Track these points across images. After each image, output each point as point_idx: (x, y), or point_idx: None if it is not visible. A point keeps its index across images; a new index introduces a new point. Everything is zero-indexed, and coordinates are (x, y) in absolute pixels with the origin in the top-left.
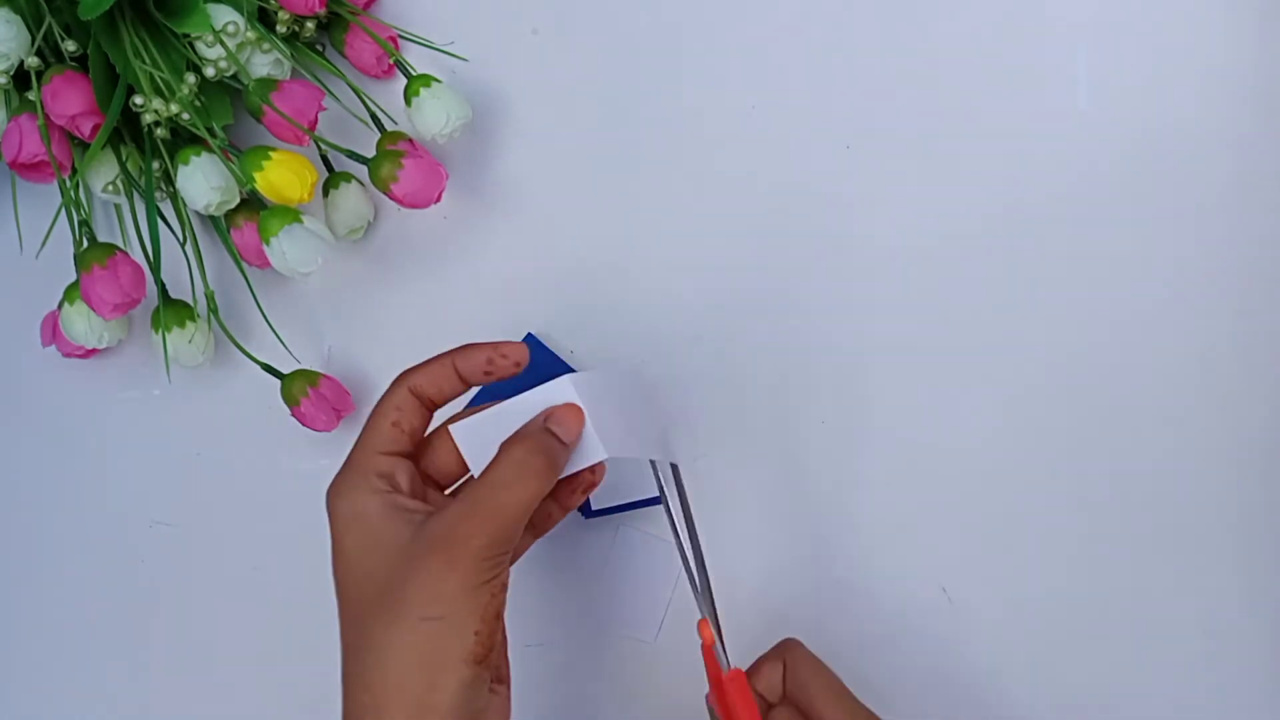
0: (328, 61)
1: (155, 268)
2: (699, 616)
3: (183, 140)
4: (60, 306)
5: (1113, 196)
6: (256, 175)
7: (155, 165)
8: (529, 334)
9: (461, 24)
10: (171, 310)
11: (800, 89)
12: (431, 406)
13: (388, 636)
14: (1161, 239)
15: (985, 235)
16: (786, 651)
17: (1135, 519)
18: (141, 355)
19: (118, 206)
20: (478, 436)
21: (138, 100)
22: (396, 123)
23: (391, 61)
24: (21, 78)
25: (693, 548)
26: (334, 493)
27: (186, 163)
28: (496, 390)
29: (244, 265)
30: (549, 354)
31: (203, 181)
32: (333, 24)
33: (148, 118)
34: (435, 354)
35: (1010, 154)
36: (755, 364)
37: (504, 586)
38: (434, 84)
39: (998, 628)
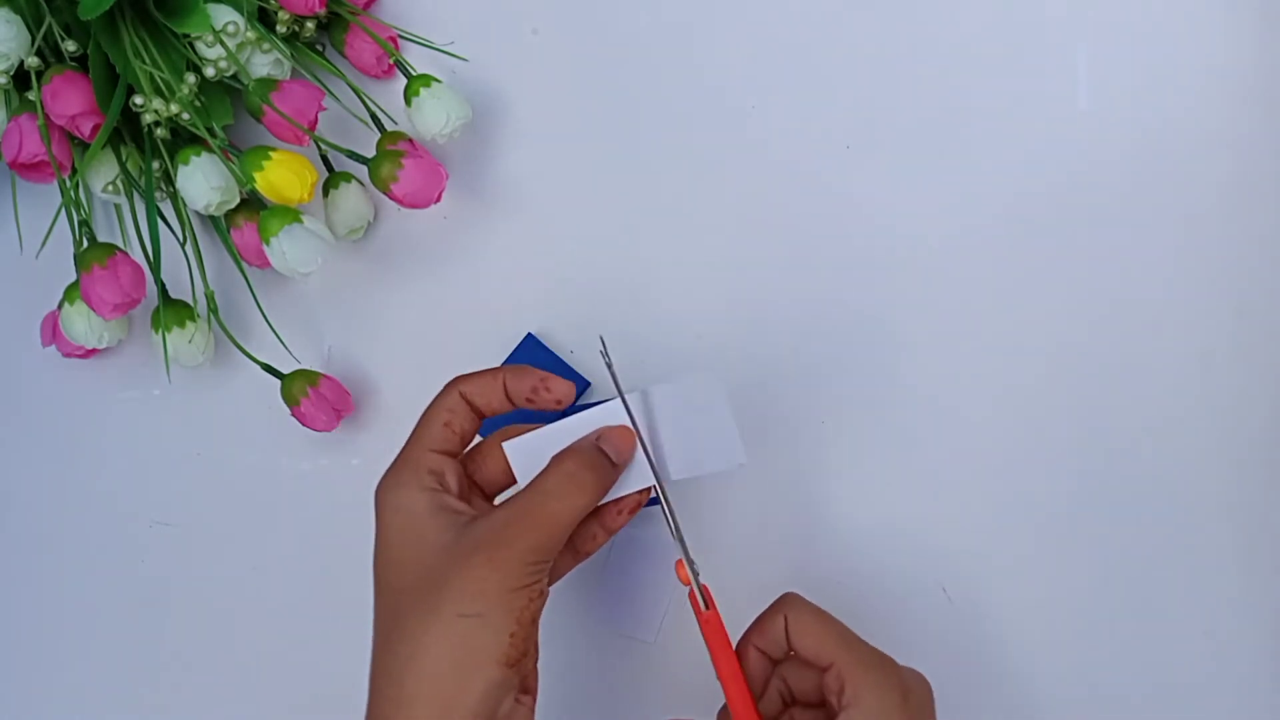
0: (328, 61)
1: (155, 268)
2: (676, 558)
3: (183, 140)
4: (60, 306)
5: (1113, 196)
6: (256, 175)
7: (155, 165)
8: (529, 334)
9: (461, 24)
10: (171, 310)
11: (800, 89)
12: (480, 415)
13: (423, 630)
14: (1161, 239)
15: (985, 235)
16: (787, 606)
17: (1135, 519)
18: (141, 355)
19: (118, 206)
20: (529, 453)
21: (138, 100)
22: (396, 123)
23: (391, 61)
24: (21, 78)
25: (660, 487)
26: (384, 486)
27: (186, 163)
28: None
29: (244, 265)
30: (549, 354)
31: (203, 181)
32: (333, 24)
33: (148, 118)
34: (486, 367)
35: (1010, 154)
36: (755, 363)
37: (542, 594)
38: (434, 84)
39: (997, 628)
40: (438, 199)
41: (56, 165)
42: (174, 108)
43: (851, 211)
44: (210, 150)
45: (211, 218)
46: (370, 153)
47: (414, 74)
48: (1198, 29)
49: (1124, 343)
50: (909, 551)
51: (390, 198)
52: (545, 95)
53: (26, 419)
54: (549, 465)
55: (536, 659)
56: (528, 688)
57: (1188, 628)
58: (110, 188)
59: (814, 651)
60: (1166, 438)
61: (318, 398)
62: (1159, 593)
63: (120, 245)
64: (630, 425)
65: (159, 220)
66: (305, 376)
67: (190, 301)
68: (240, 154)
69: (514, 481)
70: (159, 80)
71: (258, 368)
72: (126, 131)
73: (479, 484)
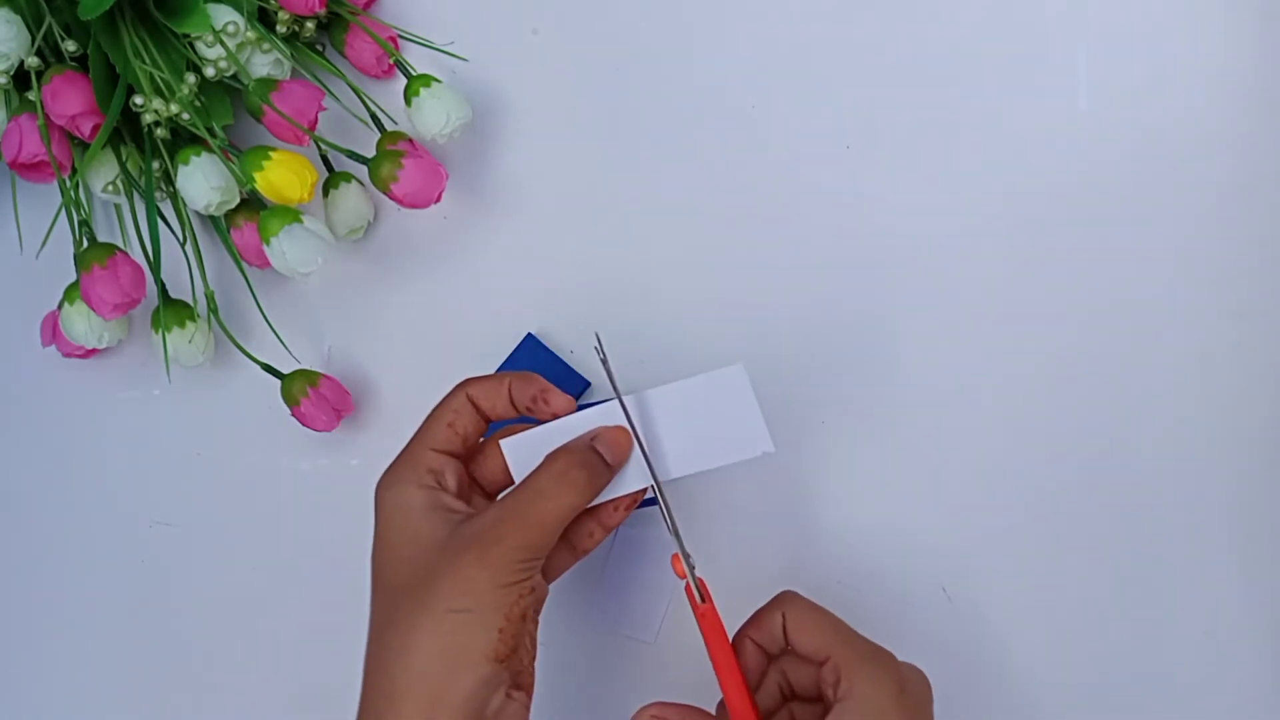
0: (328, 61)
1: (155, 268)
2: (672, 551)
3: (183, 140)
4: (60, 306)
5: (1113, 196)
6: (256, 175)
7: (155, 165)
8: (529, 334)
9: (461, 24)
10: (171, 310)
11: (800, 89)
12: (486, 418)
13: (413, 625)
14: (1162, 239)
15: (985, 235)
16: (785, 603)
17: (1135, 519)
18: (141, 355)
19: (118, 206)
20: (526, 451)
21: (138, 100)
22: (396, 123)
23: (391, 61)
24: (21, 78)
25: (656, 483)
26: (383, 483)
27: (186, 163)
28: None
29: (244, 265)
30: (549, 354)
31: (203, 181)
32: (333, 24)
33: (148, 118)
34: (494, 371)
35: (1010, 154)
36: (754, 363)
37: (533, 591)
38: (434, 84)
39: (998, 628)
40: (438, 199)
41: (56, 165)
42: (174, 108)
43: (851, 211)
44: (210, 150)
45: (211, 218)
46: (370, 153)
47: (414, 74)
48: (1198, 29)
49: (1124, 342)
50: (909, 551)
51: (390, 198)
52: (545, 95)
53: (26, 419)
54: (542, 464)
55: (533, 657)
56: (520, 684)
57: (1188, 628)
58: (110, 188)
59: (811, 645)
60: (1166, 437)
61: (318, 398)
62: (1159, 593)
63: (120, 245)
64: (627, 425)
65: (159, 220)
66: (305, 376)
67: (190, 301)
68: (240, 154)
69: (514, 481)
70: (159, 80)
71: (258, 368)
72: (126, 131)
73: (481, 483)
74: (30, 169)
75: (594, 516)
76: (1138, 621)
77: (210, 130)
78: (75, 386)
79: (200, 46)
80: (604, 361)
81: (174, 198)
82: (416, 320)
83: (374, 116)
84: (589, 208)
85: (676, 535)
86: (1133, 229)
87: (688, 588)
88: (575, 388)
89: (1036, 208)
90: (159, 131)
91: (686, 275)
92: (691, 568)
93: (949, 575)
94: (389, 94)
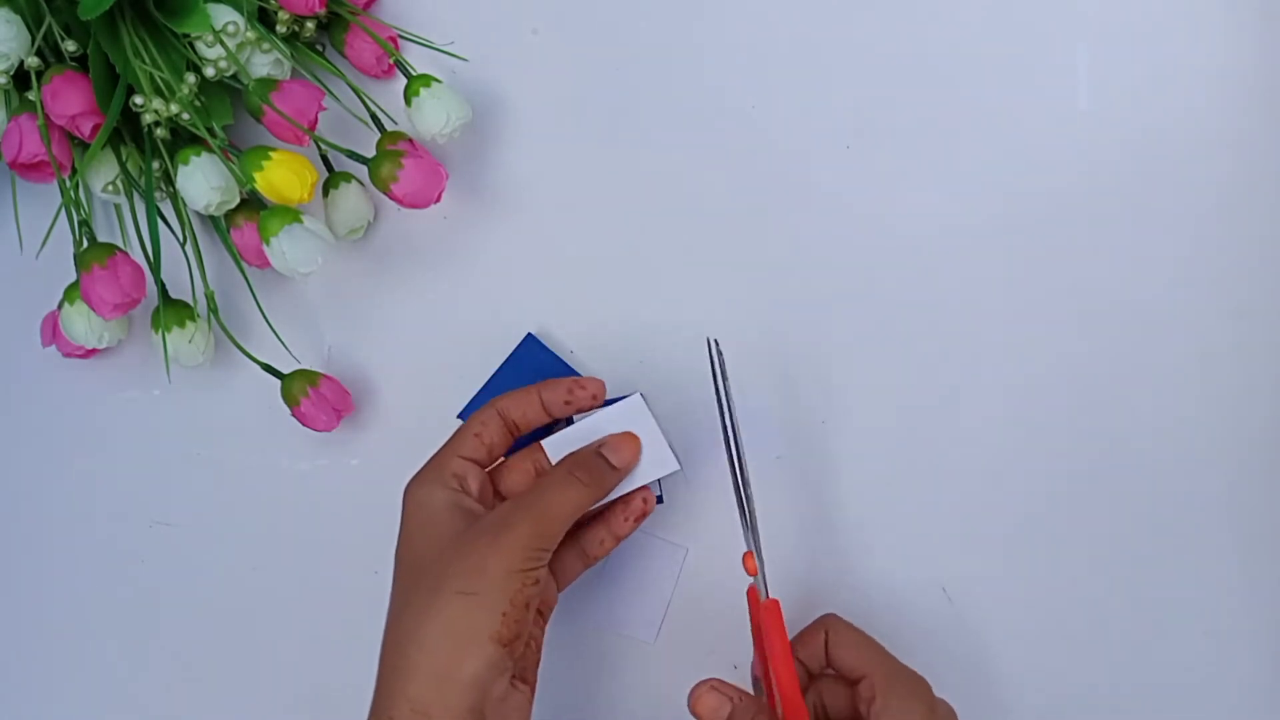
0: (328, 61)
1: (155, 268)
2: (744, 549)
3: (183, 140)
4: (60, 306)
5: (1113, 196)
6: (256, 175)
7: (155, 165)
8: (529, 334)
9: (461, 24)
10: (171, 310)
11: (800, 89)
12: (514, 430)
13: (426, 606)
14: (1161, 238)
15: (985, 235)
16: (828, 624)
17: (1136, 519)
18: (141, 355)
19: (118, 206)
20: (562, 447)
21: (138, 100)
22: (396, 123)
23: (391, 61)
24: (21, 78)
25: (740, 474)
26: (411, 484)
27: (186, 163)
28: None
29: (244, 265)
30: (549, 354)
31: (203, 181)
32: (333, 24)
33: (148, 118)
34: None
35: (1011, 154)
36: (754, 363)
37: (537, 583)
38: (434, 84)
39: (998, 628)
40: (438, 199)
41: (56, 165)
42: (174, 108)
43: (851, 211)
44: (210, 150)
45: (211, 218)
46: (370, 153)
47: (414, 74)
48: (1198, 29)
49: (1124, 342)
50: (909, 551)
51: (390, 198)
52: (545, 95)
53: (26, 419)
54: (554, 465)
55: (538, 656)
56: (525, 677)
57: (1188, 628)
58: (110, 188)
59: (850, 664)
60: (1167, 437)
61: (318, 398)
62: (1159, 593)
63: (120, 245)
64: (648, 425)
65: (159, 220)
66: (305, 376)
67: (190, 301)
68: (240, 154)
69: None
70: (159, 80)
71: (258, 368)
72: (126, 131)
73: (505, 495)
74: (30, 169)
75: (605, 525)
76: (1138, 621)
77: (210, 130)
78: (75, 386)
79: (200, 46)
80: (718, 365)
81: (174, 198)
82: (416, 320)
83: (374, 116)
84: (589, 208)
85: (754, 530)
86: (1132, 229)
87: (752, 589)
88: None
89: (1036, 207)
90: (159, 131)
91: (687, 275)
92: (762, 563)
93: (949, 575)
94: (389, 94)
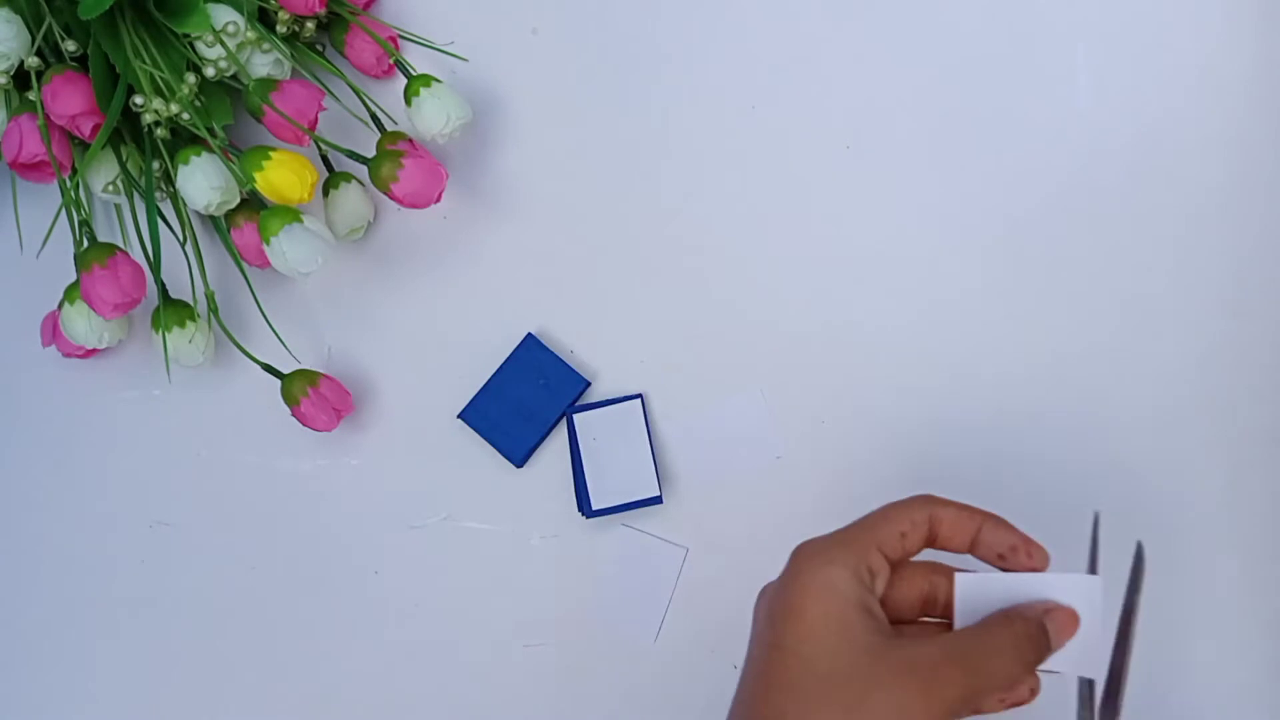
0: (328, 61)
1: (155, 268)
2: None
3: (183, 140)
4: (60, 306)
5: (1112, 196)
6: (256, 175)
7: (155, 165)
8: (529, 334)
9: (461, 24)
10: (171, 310)
11: (800, 89)
12: (932, 542)
13: None
14: (1161, 238)
15: (984, 235)
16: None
17: (1135, 518)
18: (141, 355)
19: (118, 206)
20: (976, 593)
21: (138, 100)
22: (396, 123)
23: (391, 61)
24: (21, 78)
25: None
26: (812, 554)
27: (186, 163)
28: (499, 385)
29: (244, 265)
30: (549, 354)
31: (203, 181)
32: (333, 24)
33: (148, 118)
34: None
35: (1010, 153)
36: (754, 363)
37: None
38: (434, 84)
39: None
40: (438, 199)
41: (56, 165)
42: (174, 108)
43: (851, 211)
44: (210, 150)
45: (211, 218)
46: (370, 153)
47: (414, 74)
48: (1197, 28)
49: (1123, 341)
50: None
51: (390, 198)
52: (545, 95)
53: (26, 419)
54: (998, 621)
55: None
56: None
57: (1187, 627)
58: (110, 188)
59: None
60: (1167, 435)
61: (318, 398)
62: (1159, 593)
63: (120, 245)
64: (1092, 609)
65: (159, 220)
66: (305, 376)
67: (190, 301)
68: (240, 154)
69: (918, 617)
70: (159, 80)
71: (258, 368)
72: (126, 131)
73: (885, 605)
74: (30, 169)
75: (1005, 690)
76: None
77: (210, 130)
78: (75, 386)
79: (200, 46)
80: (1095, 541)
81: (174, 198)
82: (417, 320)
83: (374, 116)
84: (589, 208)
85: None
86: (1132, 228)
87: None
88: (575, 387)
89: (1036, 207)
90: (159, 131)
91: (686, 275)
92: None
93: None
94: (389, 94)
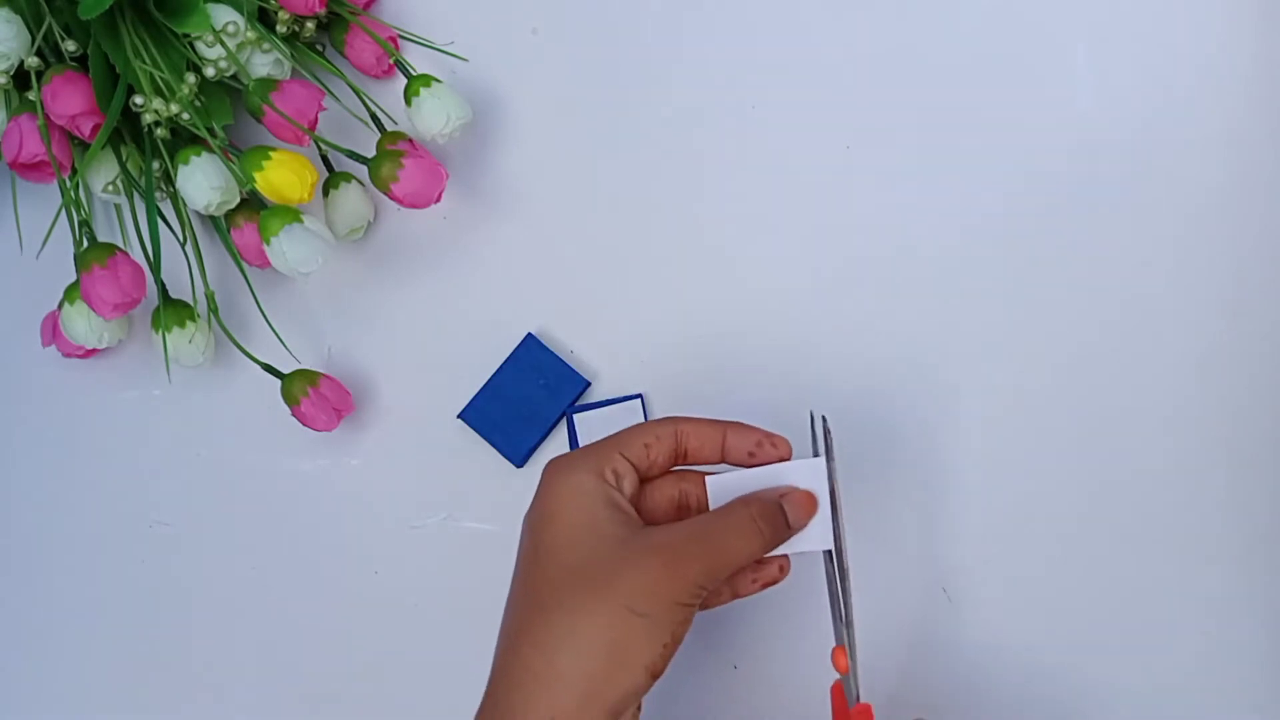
0: (328, 61)
1: (155, 268)
2: (834, 644)
3: (183, 140)
4: (60, 306)
5: (1112, 195)
6: (256, 175)
7: (155, 165)
8: (529, 334)
9: (461, 24)
10: (171, 310)
11: (800, 89)
12: (682, 458)
13: (587, 613)
14: (1161, 238)
15: (985, 235)
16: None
17: (1135, 520)
18: (141, 355)
19: (118, 206)
20: (727, 490)
21: (138, 100)
22: (396, 123)
23: (391, 61)
24: (21, 78)
25: (839, 562)
26: (558, 466)
27: (186, 163)
28: (499, 385)
29: (244, 265)
30: (549, 354)
31: (203, 181)
32: (333, 24)
33: (148, 118)
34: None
35: (1010, 153)
36: (754, 363)
37: (689, 622)
38: (434, 84)
39: (998, 628)
40: (438, 199)
41: (56, 165)
42: (174, 108)
43: (851, 211)
44: (210, 150)
45: (211, 218)
46: (370, 153)
47: (414, 74)
48: (1198, 28)
49: (1124, 341)
50: (909, 551)
51: (390, 198)
52: (545, 95)
53: (26, 419)
54: (733, 504)
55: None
56: (640, 706)
57: (1187, 627)
58: (110, 188)
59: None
60: (1167, 436)
61: (318, 398)
62: (1158, 593)
63: (120, 245)
64: (822, 489)
65: (159, 220)
66: (305, 376)
67: (190, 301)
68: (240, 154)
69: (673, 519)
70: (159, 80)
71: (258, 368)
72: (126, 131)
73: (642, 513)
74: (30, 169)
75: (728, 581)
76: (1137, 621)
77: (210, 130)
78: (75, 386)
79: (200, 46)
80: (825, 434)
81: (174, 198)
82: (416, 320)
83: (374, 116)
84: (589, 208)
85: (849, 624)
86: (1132, 228)
87: (837, 686)
88: (575, 387)
89: (1036, 207)
90: (159, 131)
91: (686, 275)
92: (855, 662)
93: (949, 575)
94: (389, 94)
